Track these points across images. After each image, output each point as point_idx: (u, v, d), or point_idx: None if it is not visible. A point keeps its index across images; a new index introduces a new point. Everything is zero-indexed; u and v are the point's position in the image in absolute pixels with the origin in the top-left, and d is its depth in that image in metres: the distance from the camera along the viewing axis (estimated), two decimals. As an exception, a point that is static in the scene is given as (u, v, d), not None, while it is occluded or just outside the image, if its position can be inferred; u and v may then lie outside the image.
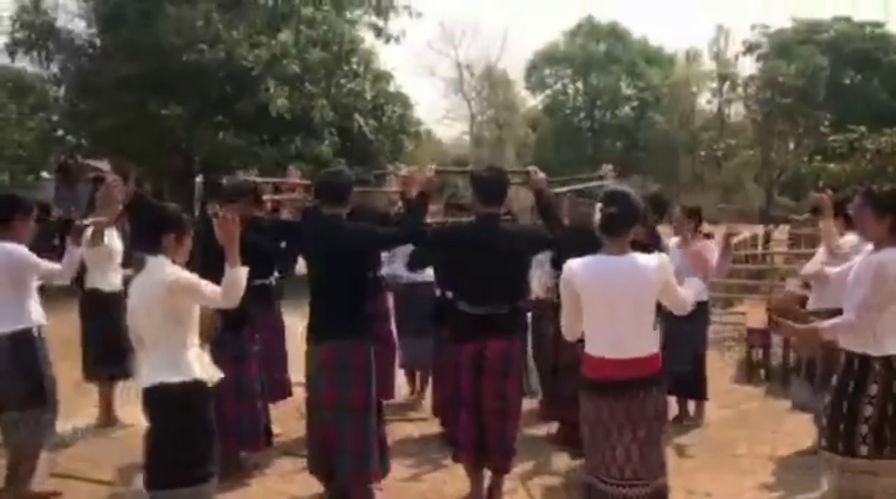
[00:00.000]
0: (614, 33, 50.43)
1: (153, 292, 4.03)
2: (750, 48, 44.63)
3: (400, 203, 5.87)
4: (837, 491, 4.38)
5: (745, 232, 17.63)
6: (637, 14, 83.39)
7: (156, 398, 4.04)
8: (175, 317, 4.05)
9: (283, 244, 5.57)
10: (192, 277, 4.07)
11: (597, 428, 3.94)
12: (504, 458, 5.06)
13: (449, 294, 5.42)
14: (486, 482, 5.16)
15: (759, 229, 19.58)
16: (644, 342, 3.95)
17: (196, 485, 4.06)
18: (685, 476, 5.67)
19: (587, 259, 3.95)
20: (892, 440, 4.23)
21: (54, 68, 17.72)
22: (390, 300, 7.08)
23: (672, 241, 6.97)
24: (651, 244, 5.50)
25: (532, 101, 55.02)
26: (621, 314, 3.89)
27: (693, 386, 6.92)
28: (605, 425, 3.91)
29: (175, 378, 4.01)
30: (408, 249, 5.64)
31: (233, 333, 5.27)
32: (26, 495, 5.14)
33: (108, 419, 6.80)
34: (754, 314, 10.08)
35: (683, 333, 6.74)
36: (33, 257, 5.20)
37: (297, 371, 5.79)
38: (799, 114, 28.60)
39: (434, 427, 6.69)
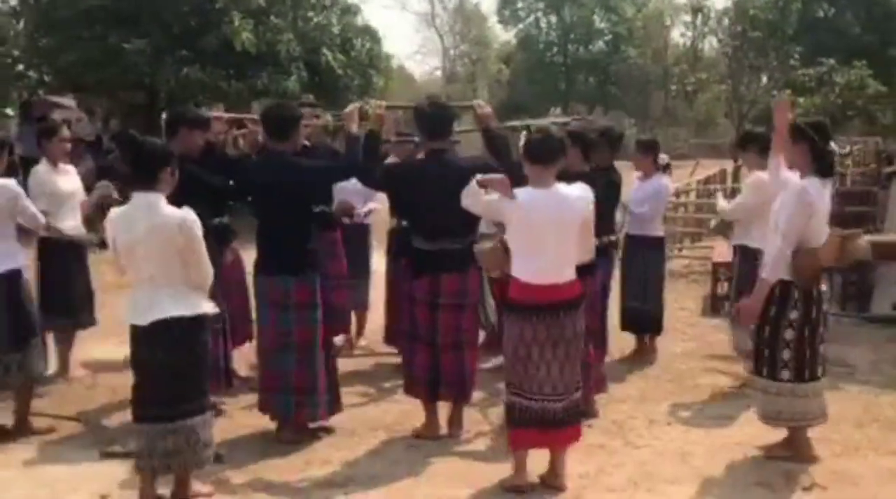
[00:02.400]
0: (587, -35, 49.78)
1: (159, 229, 4.02)
2: (723, -20, 44.26)
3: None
4: (762, 413, 4.78)
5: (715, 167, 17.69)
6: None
7: (164, 332, 4.06)
8: (178, 253, 4.07)
9: (232, 182, 5.46)
10: (199, 234, 4.10)
11: (519, 348, 4.27)
12: (461, 389, 5.13)
13: (404, 223, 5.56)
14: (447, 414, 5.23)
15: (729, 164, 19.64)
16: (567, 269, 4.29)
17: (205, 413, 4.20)
18: (648, 406, 5.79)
19: (517, 191, 4.22)
20: (811, 365, 4.59)
21: (13, 2, 17.26)
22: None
23: (635, 175, 7.02)
24: (603, 176, 5.58)
25: (505, 36, 54.52)
26: (546, 242, 4.21)
27: (647, 321, 6.96)
28: (528, 346, 4.24)
29: (185, 312, 4.07)
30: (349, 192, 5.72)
31: None
32: (27, 429, 5.24)
33: (64, 368, 6.50)
34: (720, 249, 10.17)
35: (639, 270, 6.83)
36: (25, 199, 5.22)
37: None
38: (770, 47, 28.52)
39: (385, 359, 6.88)
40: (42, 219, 5.42)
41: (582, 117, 6.35)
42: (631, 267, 6.85)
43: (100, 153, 16.21)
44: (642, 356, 6.97)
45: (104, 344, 6.95)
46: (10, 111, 20.06)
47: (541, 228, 4.21)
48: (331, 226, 6.38)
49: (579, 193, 4.30)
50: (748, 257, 5.81)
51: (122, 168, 14.34)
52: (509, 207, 4.22)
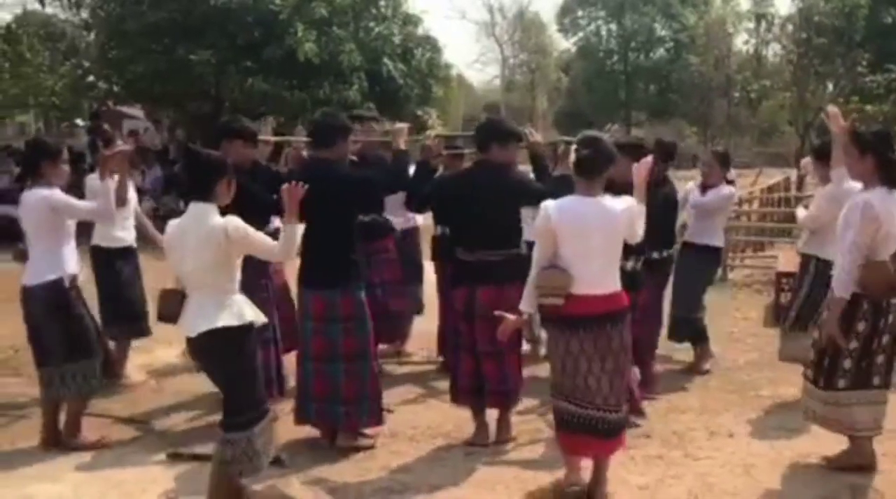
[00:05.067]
0: (648, -28, 49.39)
1: (207, 238, 4.07)
2: (787, -14, 43.51)
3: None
4: (823, 420, 4.71)
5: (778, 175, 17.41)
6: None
7: (209, 343, 4.10)
8: (226, 262, 4.13)
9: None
10: (250, 229, 4.15)
11: (567, 361, 4.22)
12: (505, 397, 5.13)
13: (447, 230, 5.63)
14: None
15: (794, 173, 19.29)
16: (611, 280, 4.25)
17: (259, 423, 4.21)
18: (709, 416, 5.72)
19: (562, 200, 4.23)
20: (867, 374, 4.54)
21: (84, 14, 17.74)
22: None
23: (689, 184, 6.96)
24: (659, 190, 5.58)
25: (565, 44, 54.34)
26: (592, 252, 4.17)
27: (694, 330, 6.85)
28: (575, 358, 4.19)
29: (230, 322, 4.09)
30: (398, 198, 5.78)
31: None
32: (78, 443, 5.19)
33: (114, 374, 6.26)
34: (785, 258, 10.00)
35: (691, 280, 6.74)
36: (69, 199, 5.17)
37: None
38: (836, 54, 27.92)
39: (427, 367, 6.95)
40: (94, 205, 5.26)
41: (616, 131, 6.35)
42: (683, 276, 6.75)
43: (166, 162, 16.60)
44: (699, 366, 6.86)
45: (170, 349, 7.13)
46: (80, 122, 20.64)
47: (584, 237, 4.18)
48: (384, 233, 6.45)
49: (625, 206, 4.25)
50: (819, 268, 5.71)
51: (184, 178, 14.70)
52: (550, 216, 4.19)
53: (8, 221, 12.77)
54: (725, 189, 6.74)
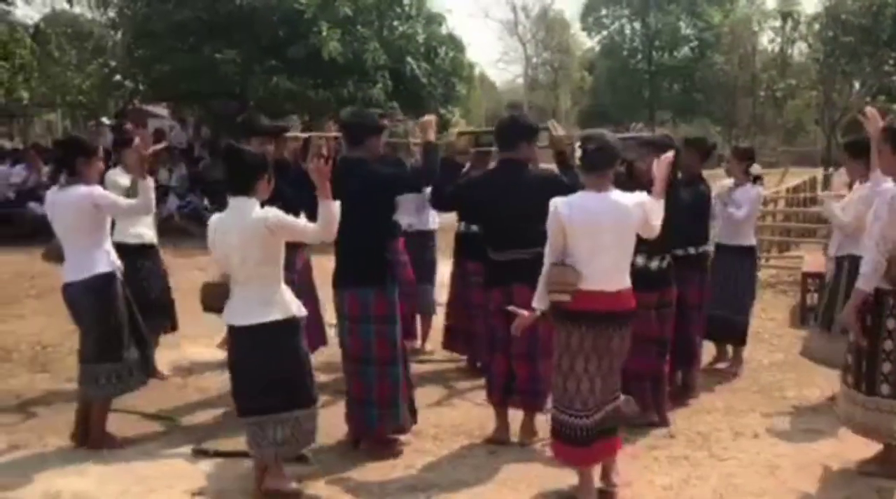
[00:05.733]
0: (673, -29, 49.16)
1: (251, 232, 4.21)
2: (814, -16, 43.16)
3: (417, 156, 6.02)
4: (859, 427, 4.65)
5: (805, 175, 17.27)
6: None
7: (259, 336, 4.25)
8: (272, 255, 4.28)
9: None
10: (287, 215, 4.28)
11: (564, 358, 4.24)
12: (534, 398, 5.12)
13: (473, 228, 5.68)
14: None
15: (819, 173, 19.15)
16: (620, 277, 4.26)
17: (303, 408, 4.39)
18: (733, 417, 5.69)
19: (572, 197, 4.25)
20: None
21: (111, 13, 17.88)
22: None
23: (724, 182, 6.91)
24: (693, 186, 5.55)
25: (588, 44, 54.24)
26: (602, 248, 4.17)
27: (733, 331, 6.79)
28: (573, 356, 4.21)
29: (278, 316, 4.28)
30: (411, 199, 5.70)
31: None
32: (104, 438, 5.23)
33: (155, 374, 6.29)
34: (811, 258, 9.95)
35: (728, 279, 6.70)
36: (112, 195, 5.20)
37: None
38: (863, 53, 27.66)
39: (447, 365, 6.97)
40: (133, 201, 5.25)
41: (641, 129, 6.31)
42: (720, 276, 6.72)
43: (191, 161, 16.72)
44: (727, 366, 6.85)
45: (194, 346, 7.19)
46: (105, 120, 20.82)
47: (595, 233, 4.17)
48: (393, 234, 6.47)
49: (636, 201, 4.23)
50: (854, 268, 5.62)
51: (211, 175, 14.78)
52: (560, 213, 4.19)
53: (37, 220, 12.99)
54: (753, 191, 6.68)
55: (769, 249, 12.79)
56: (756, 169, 6.79)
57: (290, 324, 4.34)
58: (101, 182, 5.50)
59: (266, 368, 4.30)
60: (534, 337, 4.94)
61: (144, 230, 6.47)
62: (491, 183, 5.19)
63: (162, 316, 6.58)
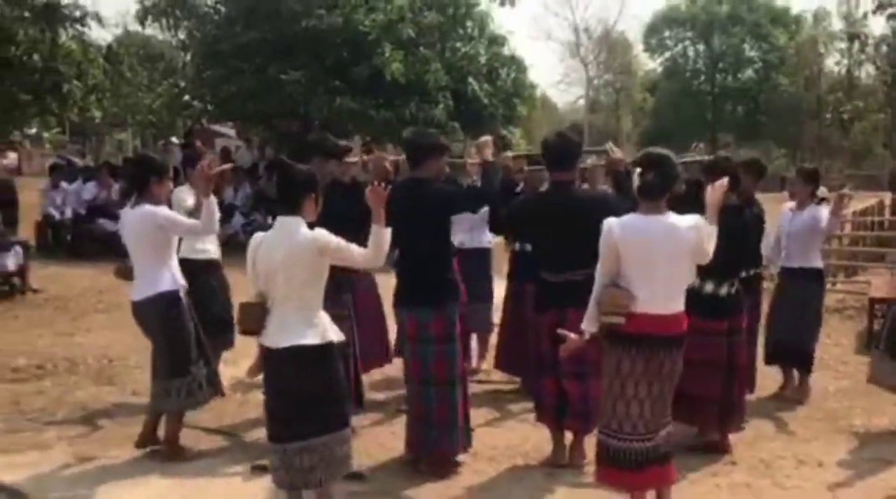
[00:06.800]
0: (738, -7, 48.67)
1: (299, 252, 4.11)
2: (881, 6, 42.26)
3: (475, 177, 6.00)
4: None
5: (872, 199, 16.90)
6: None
7: (294, 359, 4.14)
8: (316, 277, 4.18)
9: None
10: (336, 237, 4.17)
11: (614, 381, 4.18)
12: (584, 420, 5.07)
13: (527, 247, 5.65)
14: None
15: (888, 196, 18.70)
16: (673, 301, 4.18)
17: (341, 430, 4.24)
18: (798, 445, 5.58)
19: (626, 218, 4.20)
20: None
21: (181, 35, 18.31)
22: None
23: (786, 205, 6.81)
24: (743, 206, 5.48)
25: (650, 65, 53.90)
26: (655, 271, 4.11)
27: (798, 356, 6.66)
28: (623, 380, 4.15)
29: (314, 341, 4.14)
30: (466, 218, 5.76)
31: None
32: (177, 451, 5.32)
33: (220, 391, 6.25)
34: (878, 283, 9.72)
35: (794, 303, 6.58)
36: (175, 216, 5.30)
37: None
38: (934, 75, 27.04)
39: (504, 386, 6.92)
40: (197, 222, 5.29)
41: (702, 149, 6.22)
42: (785, 300, 6.60)
43: (255, 180, 16.99)
44: (791, 393, 6.69)
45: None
46: (174, 139, 21.31)
47: (648, 255, 4.12)
48: (452, 253, 6.48)
49: (691, 223, 4.16)
50: None
51: (270, 193, 14.98)
52: (613, 233, 4.16)
53: (107, 236, 13.32)
54: (822, 210, 6.56)
55: (836, 274, 12.52)
56: (822, 191, 6.67)
57: (324, 349, 4.18)
58: (169, 201, 5.63)
59: (296, 393, 4.16)
60: (583, 358, 4.89)
61: (209, 246, 6.54)
62: (543, 204, 5.18)
63: (224, 332, 6.67)
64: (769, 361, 6.72)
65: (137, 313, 5.25)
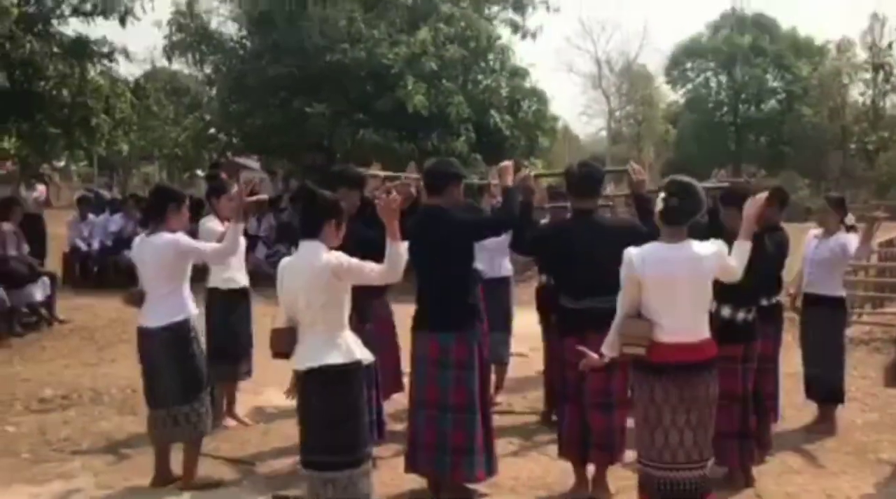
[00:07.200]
0: (760, 24, 48.66)
1: (316, 276, 4.17)
2: (905, 36, 42.16)
3: (498, 197, 5.99)
4: None
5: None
6: (785, 4, 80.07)
7: (317, 380, 4.19)
8: (336, 299, 4.23)
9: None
10: (351, 258, 4.22)
11: (650, 411, 4.11)
12: (607, 452, 5.04)
13: (552, 280, 5.63)
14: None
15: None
16: (698, 328, 4.16)
17: (355, 467, 4.24)
18: (825, 479, 5.51)
19: (647, 247, 4.17)
20: None
21: (207, 69, 18.57)
22: None
23: (811, 232, 6.79)
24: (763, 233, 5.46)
25: (672, 96, 53.85)
26: (678, 300, 4.09)
27: (825, 389, 6.61)
28: (658, 408, 4.09)
29: (338, 360, 4.19)
30: (485, 246, 5.82)
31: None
32: (197, 481, 5.33)
33: (218, 416, 6.36)
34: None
35: (817, 333, 6.54)
36: (196, 242, 5.38)
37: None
38: (960, 105, 26.88)
39: (522, 418, 6.92)
40: (219, 246, 5.41)
41: (723, 177, 6.18)
42: (809, 330, 6.56)
43: (279, 211, 17.12)
44: (819, 426, 6.62)
45: (278, 392, 7.27)
46: (199, 172, 21.55)
47: (670, 284, 4.10)
48: (475, 279, 6.47)
49: (712, 250, 4.15)
50: None
51: (293, 224, 15.09)
52: (634, 263, 4.14)
53: (133, 267, 13.38)
54: (841, 239, 6.53)
55: (862, 305, 12.38)
56: (850, 219, 6.66)
57: (348, 369, 4.22)
58: (191, 232, 5.68)
59: (324, 413, 4.20)
60: (608, 389, 4.90)
61: (236, 274, 6.59)
62: (568, 232, 5.21)
63: (246, 361, 6.72)
64: (808, 395, 6.70)
65: (148, 340, 5.27)
